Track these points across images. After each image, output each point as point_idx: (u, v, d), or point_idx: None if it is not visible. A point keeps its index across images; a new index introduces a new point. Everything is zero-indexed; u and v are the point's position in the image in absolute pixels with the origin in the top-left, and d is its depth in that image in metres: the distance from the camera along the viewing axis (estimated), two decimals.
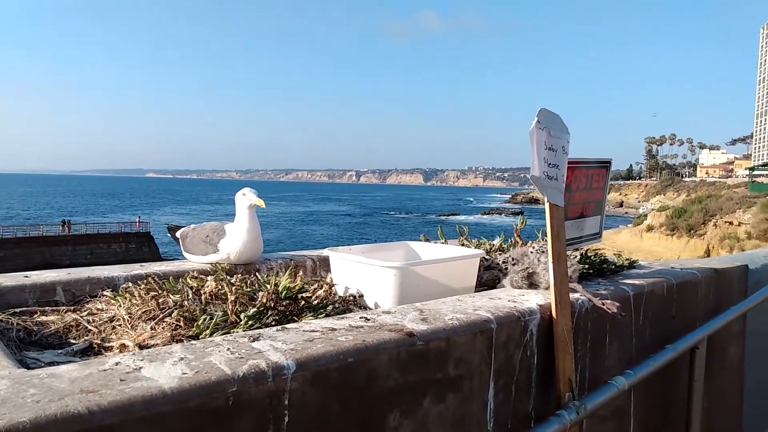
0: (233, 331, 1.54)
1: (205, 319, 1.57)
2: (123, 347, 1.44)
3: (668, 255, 39.67)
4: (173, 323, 1.60)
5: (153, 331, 1.57)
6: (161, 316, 1.65)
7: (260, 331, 1.36)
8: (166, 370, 1.09)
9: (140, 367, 1.10)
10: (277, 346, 1.24)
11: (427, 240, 2.80)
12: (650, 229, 49.03)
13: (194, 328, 1.54)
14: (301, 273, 2.00)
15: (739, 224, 41.42)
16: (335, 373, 1.22)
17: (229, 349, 1.21)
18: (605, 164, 2.47)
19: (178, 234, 2.54)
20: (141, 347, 1.43)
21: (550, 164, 1.81)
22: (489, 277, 2.33)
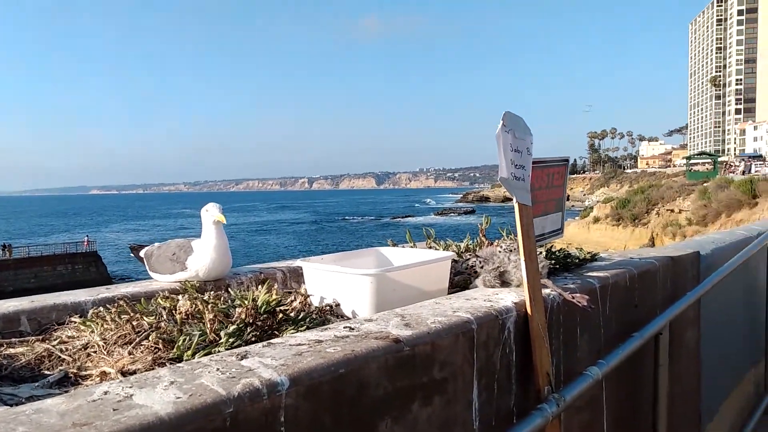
0: (215, 350, 1.52)
1: (184, 340, 1.54)
2: (104, 375, 1.40)
3: (615, 245, 41.09)
4: (152, 346, 1.57)
5: (132, 356, 1.53)
6: (138, 339, 1.61)
7: (247, 348, 1.35)
8: (159, 395, 1.07)
9: (131, 395, 1.07)
10: (267, 363, 1.23)
11: (395, 245, 2.82)
12: (596, 220, 50.65)
13: (175, 350, 1.51)
14: (276, 286, 1.98)
15: (680, 211, 43.30)
16: (327, 386, 1.22)
17: (218, 369, 1.20)
18: (564, 162, 2.55)
19: (142, 253, 2.48)
20: (123, 374, 1.40)
21: (516, 165, 1.86)
22: (460, 279, 2.37)
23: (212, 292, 2.00)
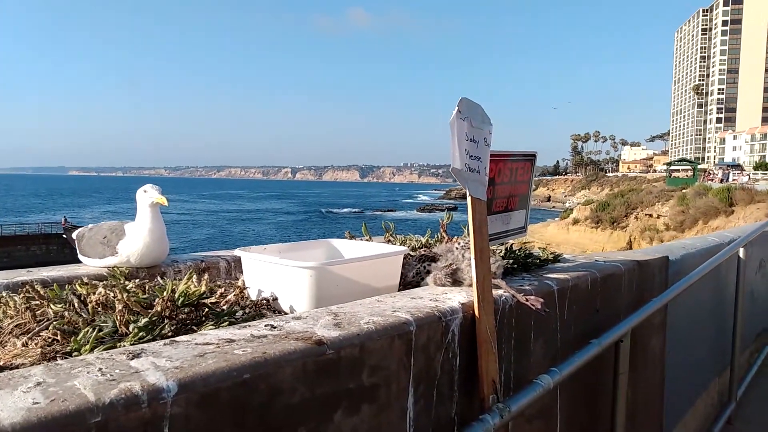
0: (120, 345, 1.36)
1: (86, 332, 1.37)
2: None
3: (593, 247, 41.44)
4: (49, 338, 1.40)
5: (25, 348, 1.36)
6: (37, 329, 1.44)
7: (143, 346, 1.19)
8: (15, 399, 0.90)
9: None
10: (160, 364, 1.07)
11: (352, 237, 2.68)
12: (576, 222, 50.99)
13: (72, 344, 1.34)
14: (206, 276, 1.81)
15: (658, 216, 43.72)
16: (227, 393, 1.07)
17: (100, 369, 1.04)
18: (530, 157, 2.42)
19: (74, 235, 2.30)
20: (2, 369, 1.23)
21: (471, 156, 1.72)
22: (414, 275, 2.23)
23: (137, 280, 1.83)
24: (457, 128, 1.67)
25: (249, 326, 1.37)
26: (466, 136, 1.70)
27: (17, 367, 1.24)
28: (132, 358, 1.10)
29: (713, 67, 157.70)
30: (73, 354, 1.29)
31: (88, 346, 1.32)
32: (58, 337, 1.40)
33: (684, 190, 45.42)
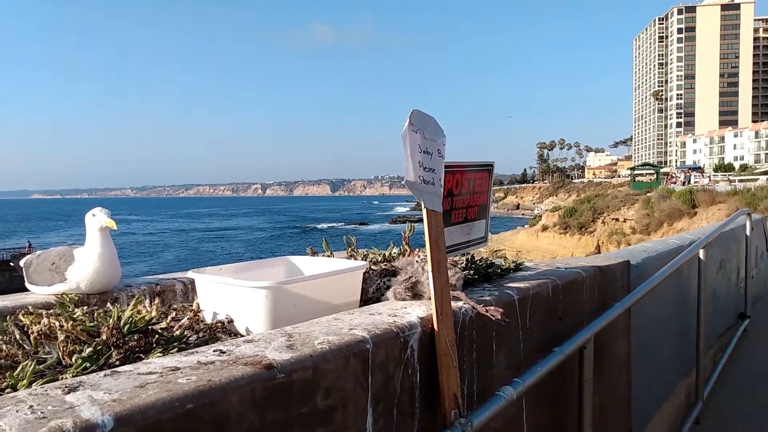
0: (61, 378, 1.30)
1: (24, 366, 1.31)
2: None
3: (563, 252, 42.02)
4: None
5: None
6: None
7: (83, 378, 1.13)
8: None
9: None
10: (97, 398, 1.02)
11: (315, 253, 2.63)
12: (545, 228, 51.68)
13: (8, 379, 1.27)
14: (157, 301, 1.75)
15: (625, 220, 44.60)
16: (169, 425, 1.02)
17: (31, 406, 0.98)
18: (487, 167, 2.42)
19: (21, 263, 2.21)
20: None
21: (425, 168, 1.71)
22: (375, 291, 2.20)
23: (85, 308, 1.76)
24: (409, 140, 1.65)
25: (197, 353, 1.32)
26: (419, 148, 1.69)
27: None
28: (68, 393, 1.05)
29: (671, 73, 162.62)
30: (7, 390, 1.22)
31: (24, 381, 1.26)
32: None
33: (648, 194, 46.47)
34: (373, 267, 2.30)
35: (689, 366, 4.59)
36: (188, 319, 1.79)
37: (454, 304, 1.78)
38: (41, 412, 0.96)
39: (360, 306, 2.02)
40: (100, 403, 0.99)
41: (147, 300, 1.86)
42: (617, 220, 45.74)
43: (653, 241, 4.84)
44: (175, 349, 1.46)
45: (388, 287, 2.04)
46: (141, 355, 1.45)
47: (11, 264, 2.34)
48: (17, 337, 1.53)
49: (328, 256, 2.57)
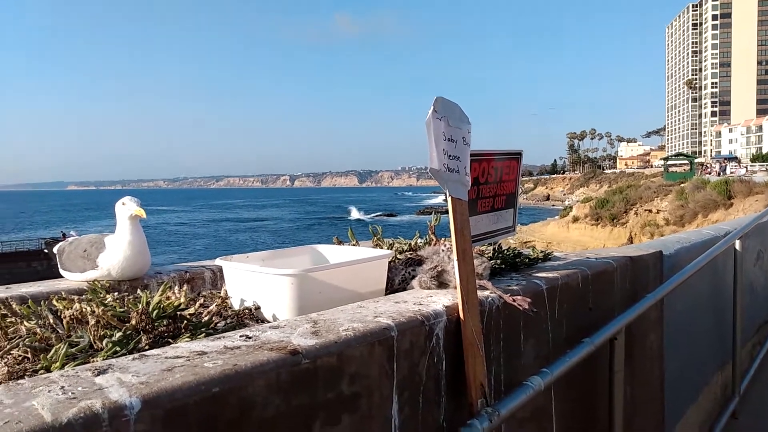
0: (92, 361, 1.32)
1: (57, 349, 1.34)
2: None
3: (594, 244, 41.38)
4: (20, 356, 1.36)
5: None
6: (8, 347, 1.41)
7: (112, 361, 1.15)
8: None
9: None
10: (126, 380, 1.04)
11: (340, 242, 2.64)
12: (576, 220, 50.94)
13: (42, 361, 1.30)
14: (186, 287, 1.78)
15: (658, 212, 43.70)
16: (196, 408, 1.03)
17: (63, 387, 1.00)
18: (516, 155, 2.38)
19: (54, 249, 2.26)
20: None
21: (450, 156, 1.69)
22: (401, 281, 2.19)
23: (116, 294, 1.80)
24: (433, 128, 1.63)
25: (223, 337, 1.33)
26: (443, 136, 1.67)
27: None
28: (97, 375, 1.07)
29: (705, 61, 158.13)
30: (41, 372, 1.25)
31: (57, 363, 1.29)
32: (29, 355, 1.36)
33: (682, 185, 45.42)
34: (398, 256, 2.29)
35: (725, 359, 4.47)
36: (216, 305, 1.81)
37: (480, 293, 1.76)
38: (72, 393, 0.98)
39: (386, 295, 2.02)
40: (128, 386, 1.01)
41: (176, 287, 1.89)
42: (650, 211, 44.85)
43: (687, 232, 4.72)
44: (203, 335, 1.48)
45: (414, 277, 2.03)
46: (169, 340, 1.47)
47: (45, 251, 2.40)
48: (51, 321, 1.56)
49: (354, 245, 2.57)
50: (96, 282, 2.03)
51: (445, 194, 1.71)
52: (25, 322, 1.52)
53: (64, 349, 1.31)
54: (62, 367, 1.28)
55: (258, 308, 1.84)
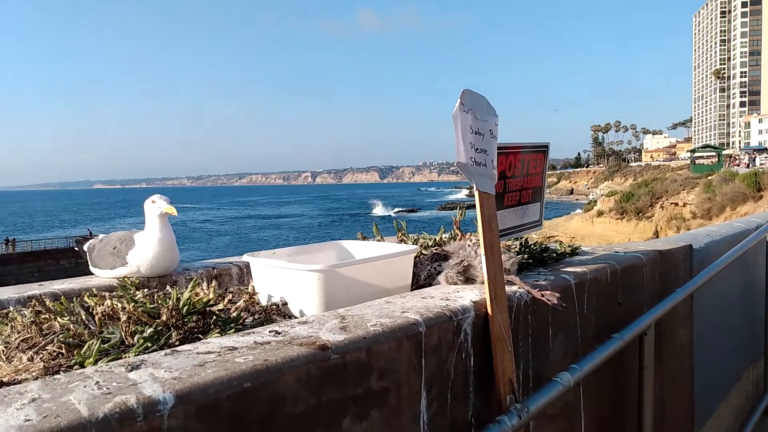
0: (124, 356, 1.34)
1: (90, 345, 1.36)
2: None
3: (619, 238, 40.82)
4: (55, 351, 1.39)
5: (30, 363, 1.35)
6: (43, 343, 1.43)
7: (144, 357, 1.16)
8: (7, 417, 0.88)
9: None
10: (159, 375, 1.05)
11: (365, 238, 2.64)
12: (600, 214, 50.28)
13: (76, 357, 1.32)
14: (214, 283, 1.79)
15: (684, 205, 42.93)
16: (228, 403, 1.04)
17: (97, 382, 1.02)
18: (542, 149, 2.35)
19: (85, 247, 2.30)
20: (3, 384, 1.21)
21: (477, 149, 1.67)
22: (427, 277, 2.18)
23: (146, 290, 1.82)
24: (460, 121, 1.62)
25: (253, 333, 1.34)
26: (470, 129, 1.65)
27: (20, 382, 1.23)
28: (131, 370, 1.08)
29: (734, 50, 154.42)
30: (75, 367, 1.28)
31: (91, 359, 1.31)
32: (63, 351, 1.39)
33: (709, 177, 44.52)
34: (423, 252, 2.28)
35: (757, 355, 4.38)
36: (244, 301, 1.82)
37: (508, 289, 1.75)
38: (107, 388, 0.99)
39: (411, 291, 2.01)
40: (161, 381, 1.02)
41: (204, 283, 1.91)
42: (676, 204, 44.07)
43: (717, 225, 4.62)
44: (232, 330, 1.49)
45: (439, 272, 2.02)
46: (199, 335, 1.49)
47: (76, 249, 2.44)
48: (83, 317, 1.59)
49: (379, 240, 2.57)
50: (126, 279, 2.06)
51: (472, 188, 1.70)
52: (58, 319, 1.55)
53: (97, 345, 1.33)
54: (95, 362, 1.31)
55: (285, 304, 1.85)
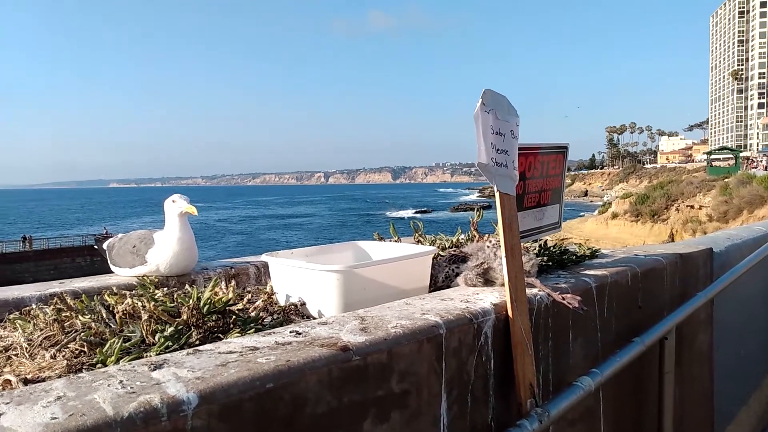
0: (146, 355, 1.34)
1: (112, 343, 1.36)
2: (7, 383, 1.23)
3: (634, 241, 40.42)
4: (77, 349, 1.40)
5: (53, 361, 1.36)
6: (65, 341, 1.44)
7: (166, 356, 1.17)
8: (34, 415, 0.89)
9: (1, 413, 0.89)
10: (182, 375, 1.05)
11: (381, 238, 2.63)
12: (615, 216, 49.83)
13: (98, 355, 1.33)
14: (233, 283, 1.80)
15: (700, 207, 42.43)
16: (251, 404, 1.03)
17: (121, 381, 1.02)
18: (562, 150, 2.33)
19: (104, 245, 2.31)
20: (28, 382, 1.22)
21: (498, 150, 1.66)
22: (444, 279, 2.17)
23: (165, 289, 1.83)
24: (481, 121, 1.61)
25: (274, 333, 1.34)
26: (491, 129, 1.64)
27: (43, 380, 1.24)
28: (154, 369, 1.08)
29: (752, 51, 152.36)
30: (97, 366, 1.28)
31: (113, 358, 1.31)
32: (85, 349, 1.39)
33: (726, 180, 43.96)
34: (441, 253, 2.27)
35: None
36: (263, 301, 1.83)
37: (528, 291, 1.73)
38: (131, 387, 0.99)
39: (429, 292, 2.00)
40: (184, 381, 1.02)
41: (222, 282, 1.91)
42: (692, 207, 43.56)
43: (736, 228, 4.56)
44: (253, 330, 1.49)
45: (458, 274, 2.01)
46: (219, 335, 1.49)
47: (95, 246, 2.46)
48: (104, 315, 1.60)
49: (396, 241, 2.56)
50: (145, 277, 2.07)
51: (488, 189, 1.68)
52: (80, 317, 1.56)
53: (119, 344, 1.33)
54: (117, 361, 1.31)
55: (303, 304, 1.85)
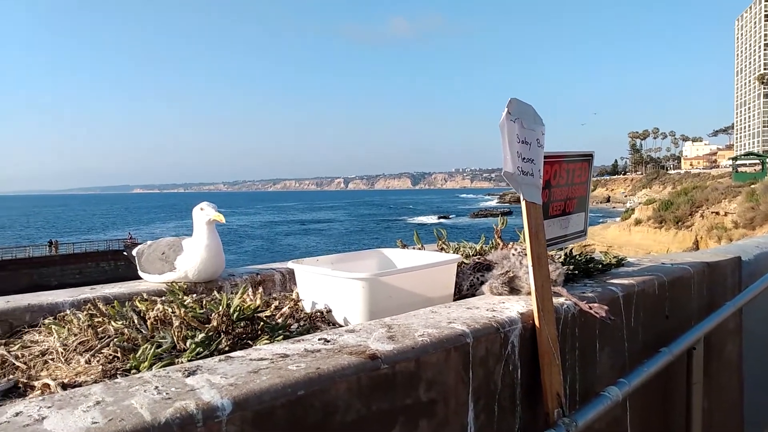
0: (177, 361, 1.37)
1: (145, 349, 1.39)
2: (45, 387, 1.26)
3: (657, 248, 39.80)
4: (110, 355, 1.43)
5: (88, 366, 1.39)
6: (99, 346, 1.48)
7: (199, 362, 1.19)
8: (75, 419, 0.91)
9: (44, 417, 0.92)
10: (215, 381, 1.07)
11: (405, 246, 2.64)
12: (638, 222, 49.12)
13: (131, 360, 1.36)
14: (261, 290, 1.82)
15: (726, 214, 41.64)
16: (282, 410, 1.05)
17: (157, 387, 1.04)
18: (587, 157, 2.32)
19: (134, 252, 2.36)
20: (66, 386, 1.25)
21: (524, 159, 1.66)
22: (469, 287, 2.17)
23: (194, 296, 1.86)
24: (507, 130, 1.61)
25: (302, 340, 1.35)
26: (517, 138, 1.64)
27: (80, 384, 1.27)
28: (188, 376, 1.10)
29: None
30: (132, 371, 1.31)
31: (146, 363, 1.34)
32: (119, 354, 1.42)
33: (753, 186, 43.10)
34: (465, 261, 2.27)
35: None
36: (289, 308, 1.85)
37: (555, 300, 1.73)
38: (166, 393, 1.01)
39: (454, 301, 2.00)
40: (218, 387, 1.04)
41: (249, 289, 1.93)
42: (717, 213, 42.77)
43: (765, 236, 4.47)
44: (281, 337, 1.51)
45: (483, 282, 2.01)
46: (248, 341, 1.51)
47: (124, 253, 2.51)
48: (135, 321, 1.63)
49: (419, 248, 2.57)
50: (174, 284, 2.11)
51: (514, 195, 1.69)
52: (112, 323, 1.59)
53: (152, 350, 1.36)
54: (150, 367, 1.34)
55: (329, 311, 1.86)
